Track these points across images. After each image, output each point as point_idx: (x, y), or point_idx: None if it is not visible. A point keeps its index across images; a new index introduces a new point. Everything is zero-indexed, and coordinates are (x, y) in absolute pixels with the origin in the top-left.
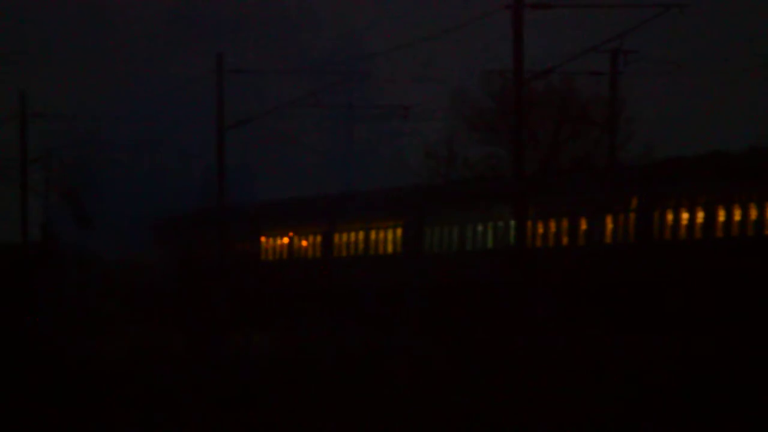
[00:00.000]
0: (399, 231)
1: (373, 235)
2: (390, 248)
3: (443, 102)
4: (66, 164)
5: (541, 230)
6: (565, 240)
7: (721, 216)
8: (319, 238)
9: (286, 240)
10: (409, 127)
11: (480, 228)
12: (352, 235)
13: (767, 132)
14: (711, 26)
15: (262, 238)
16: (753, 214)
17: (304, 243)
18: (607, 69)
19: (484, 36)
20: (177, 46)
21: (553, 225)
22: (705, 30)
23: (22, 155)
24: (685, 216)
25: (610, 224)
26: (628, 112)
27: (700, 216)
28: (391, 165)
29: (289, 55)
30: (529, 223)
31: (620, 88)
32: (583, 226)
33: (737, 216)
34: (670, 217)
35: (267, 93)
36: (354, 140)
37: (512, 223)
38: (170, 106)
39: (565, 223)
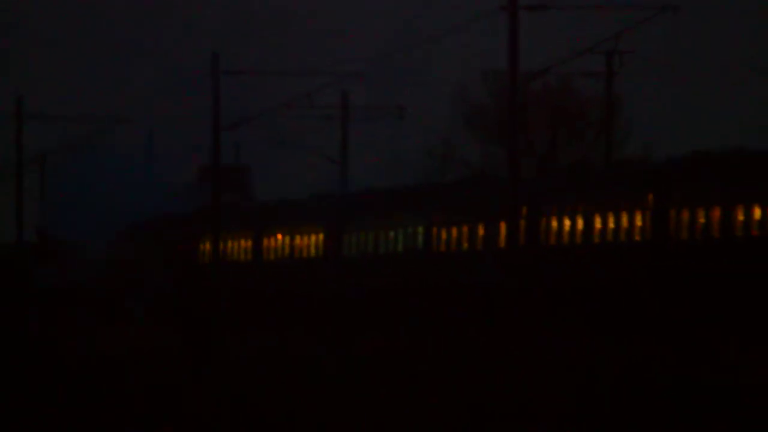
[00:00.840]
0: (321, 236)
1: (297, 240)
2: (313, 252)
3: (441, 102)
4: (62, 166)
5: (444, 237)
6: (465, 245)
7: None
8: (250, 243)
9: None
10: (406, 128)
11: (392, 234)
12: (279, 239)
13: (762, 131)
14: (705, 27)
15: (200, 243)
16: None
17: (238, 245)
18: (603, 70)
19: (482, 36)
20: (173, 47)
21: (453, 232)
22: (699, 31)
23: (17, 157)
24: (567, 223)
25: (503, 230)
26: (625, 112)
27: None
28: (388, 165)
29: (285, 55)
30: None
31: (616, 88)
32: (481, 232)
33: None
34: (554, 223)
35: (263, 94)
36: (350, 141)
37: (420, 229)
38: (166, 107)
39: (455, 232)
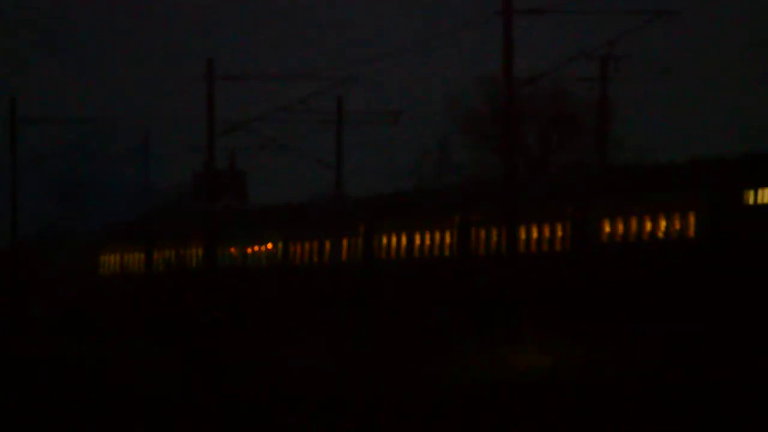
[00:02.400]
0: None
1: (249, 249)
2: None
3: (436, 107)
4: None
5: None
6: (316, 258)
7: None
8: (201, 251)
9: (167, 252)
10: (401, 132)
11: (255, 248)
12: (233, 249)
13: (757, 134)
14: (700, 32)
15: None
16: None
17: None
18: (598, 74)
19: (477, 41)
20: (169, 51)
21: (304, 246)
22: (694, 36)
23: (12, 160)
24: (394, 239)
25: (345, 245)
26: (619, 116)
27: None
28: (383, 169)
29: (281, 60)
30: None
31: (611, 93)
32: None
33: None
34: (384, 240)
35: (258, 98)
36: (345, 145)
37: (280, 244)
38: (161, 111)
39: (308, 246)
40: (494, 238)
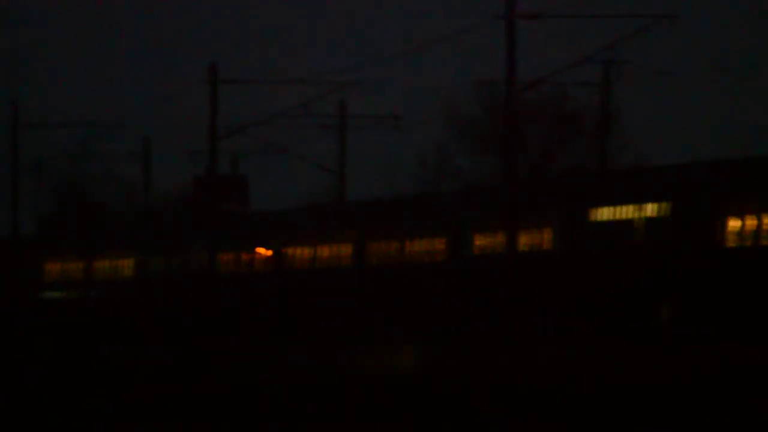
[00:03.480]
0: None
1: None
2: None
3: (435, 111)
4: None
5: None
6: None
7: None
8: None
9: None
10: (403, 136)
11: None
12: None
13: (759, 139)
14: (701, 37)
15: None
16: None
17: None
18: (599, 79)
19: (477, 46)
20: (171, 55)
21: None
22: (695, 40)
23: (13, 164)
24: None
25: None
26: (620, 121)
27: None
28: (384, 173)
29: (283, 64)
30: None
31: (612, 98)
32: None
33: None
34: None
35: (260, 102)
36: (347, 149)
37: (204, 254)
38: (163, 115)
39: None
40: (391, 249)
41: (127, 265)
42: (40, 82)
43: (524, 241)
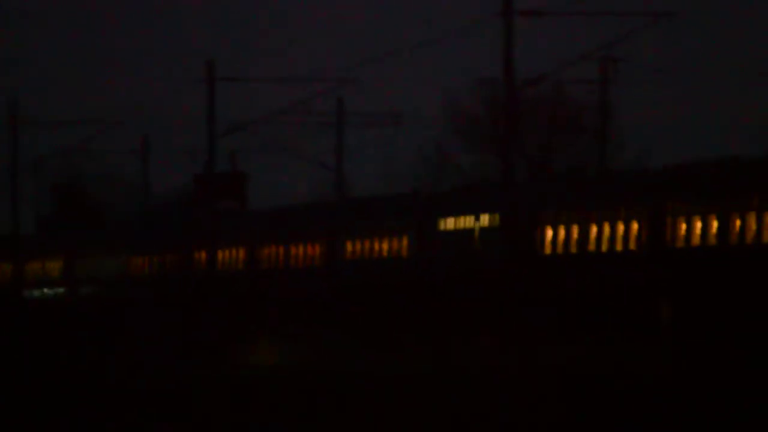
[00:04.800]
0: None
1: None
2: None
3: (435, 109)
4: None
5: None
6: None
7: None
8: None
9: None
10: (402, 134)
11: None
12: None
13: (759, 138)
14: (699, 34)
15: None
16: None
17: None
18: (598, 77)
19: (477, 43)
20: (169, 53)
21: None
22: (694, 38)
23: (12, 162)
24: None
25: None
26: (619, 119)
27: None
28: (383, 171)
29: (282, 62)
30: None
31: (611, 96)
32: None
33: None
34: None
35: (259, 100)
36: (346, 147)
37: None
38: (161, 113)
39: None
40: (358, 248)
41: (57, 268)
42: (39, 81)
43: (386, 247)
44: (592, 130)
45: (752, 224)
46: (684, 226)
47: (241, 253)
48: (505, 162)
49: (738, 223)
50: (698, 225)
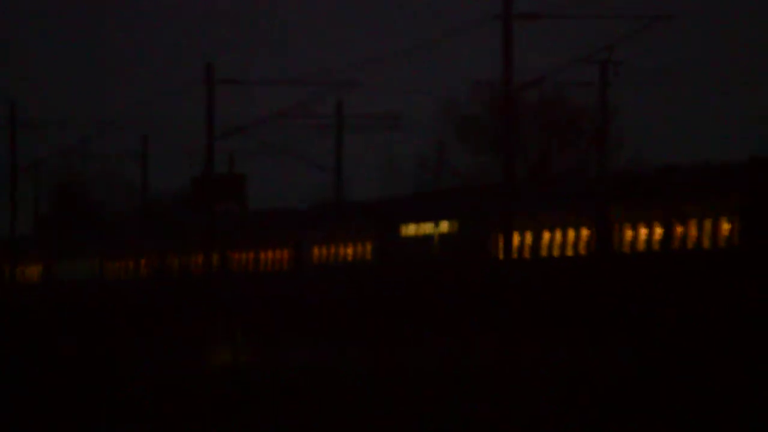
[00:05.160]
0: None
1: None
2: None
3: (434, 111)
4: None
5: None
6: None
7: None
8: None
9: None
10: (401, 136)
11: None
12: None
13: (759, 139)
14: (698, 36)
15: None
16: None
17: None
18: (597, 79)
19: (475, 46)
20: (168, 55)
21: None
22: (692, 40)
23: (11, 163)
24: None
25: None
26: (618, 121)
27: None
28: (383, 173)
29: (281, 64)
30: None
31: (610, 98)
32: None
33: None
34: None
35: (258, 102)
36: (345, 149)
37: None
38: (160, 115)
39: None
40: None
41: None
42: (38, 82)
43: (350, 252)
44: (591, 132)
45: (693, 231)
46: (629, 233)
47: (215, 258)
48: (505, 164)
49: (679, 229)
50: (643, 231)
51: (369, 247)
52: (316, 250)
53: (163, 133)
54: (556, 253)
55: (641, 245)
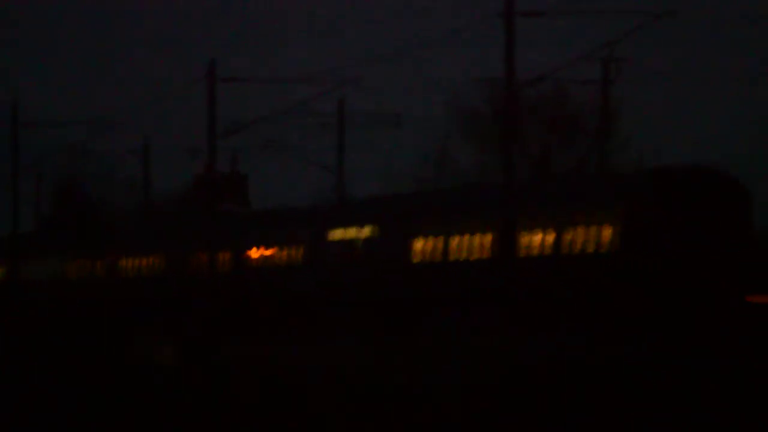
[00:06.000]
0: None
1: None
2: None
3: (436, 109)
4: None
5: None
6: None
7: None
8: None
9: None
10: (403, 134)
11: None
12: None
13: (759, 138)
14: (701, 34)
15: None
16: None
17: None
18: (599, 76)
19: (478, 43)
20: (170, 53)
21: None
22: (695, 37)
23: (13, 162)
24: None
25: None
26: (620, 119)
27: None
28: (384, 172)
29: (283, 62)
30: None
31: (612, 96)
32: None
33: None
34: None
35: (260, 101)
36: (347, 147)
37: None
38: (162, 113)
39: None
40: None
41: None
42: (40, 81)
43: (285, 255)
44: (593, 129)
45: (580, 236)
46: (528, 238)
47: (163, 260)
48: (506, 162)
49: (569, 236)
50: (539, 237)
51: (302, 250)
52: (254, 253)
53: (165, 132)
54: (463, 256)
55: (538, 250)
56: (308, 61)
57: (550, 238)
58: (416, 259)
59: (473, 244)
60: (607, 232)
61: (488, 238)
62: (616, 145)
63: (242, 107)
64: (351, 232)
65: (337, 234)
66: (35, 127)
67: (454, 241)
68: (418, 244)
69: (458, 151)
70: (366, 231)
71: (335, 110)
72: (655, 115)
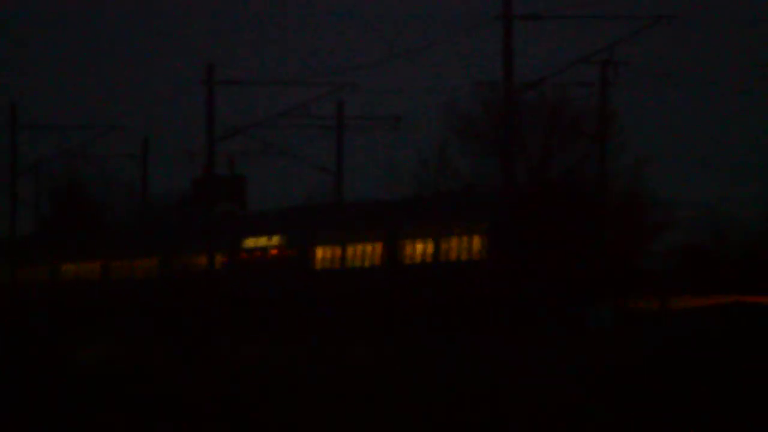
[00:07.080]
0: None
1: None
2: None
3: (435, 112)
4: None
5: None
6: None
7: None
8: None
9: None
10: (402, 137)
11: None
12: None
13: (758, 141)
14: (700, 37)
15: None
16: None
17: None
18: (598, 80)
19: (477, 46)
20: (169, 56)
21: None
22: (694, 41)
23: (12, 165)
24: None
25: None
26: (619, 123)
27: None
28: (383, 174)
29: (281, 65)
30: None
31: (611, 99)
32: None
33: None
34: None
35: (258, 103)
36: (345, 150)
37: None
38: (160, 116)
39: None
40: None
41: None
42: (39, 84)
43: (204, 261)
44: (592, 133)
45: (454, 246)
46: (410, 247)
47: (96, 266)
48: (504, 165)
49: (444, 246)
50: (419, 246)
51: (220, 257)
52: (183, 260)
53: (164, 135)
54: (357, 263)
55: (419, 257)
56: (307, 64)
57: (431, 247)
58: (318, 266)
59: (365, 253)
60: (476, 242)
61: (378, 248)
62: (614, 148)
63: (241, 110)
64: (262, 241)
65: (251, 242)
66: (34, 129)
67: (348, 250)
68: (319, 253)
69: (457, 155)
70: (276, 239)
71: (334, 113)
72: (654, 118)
